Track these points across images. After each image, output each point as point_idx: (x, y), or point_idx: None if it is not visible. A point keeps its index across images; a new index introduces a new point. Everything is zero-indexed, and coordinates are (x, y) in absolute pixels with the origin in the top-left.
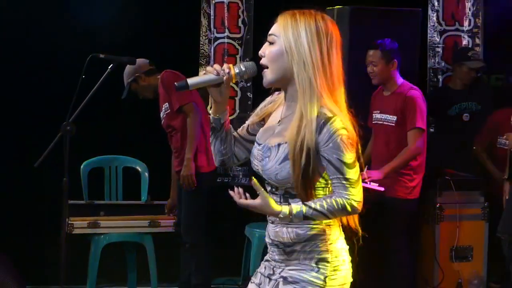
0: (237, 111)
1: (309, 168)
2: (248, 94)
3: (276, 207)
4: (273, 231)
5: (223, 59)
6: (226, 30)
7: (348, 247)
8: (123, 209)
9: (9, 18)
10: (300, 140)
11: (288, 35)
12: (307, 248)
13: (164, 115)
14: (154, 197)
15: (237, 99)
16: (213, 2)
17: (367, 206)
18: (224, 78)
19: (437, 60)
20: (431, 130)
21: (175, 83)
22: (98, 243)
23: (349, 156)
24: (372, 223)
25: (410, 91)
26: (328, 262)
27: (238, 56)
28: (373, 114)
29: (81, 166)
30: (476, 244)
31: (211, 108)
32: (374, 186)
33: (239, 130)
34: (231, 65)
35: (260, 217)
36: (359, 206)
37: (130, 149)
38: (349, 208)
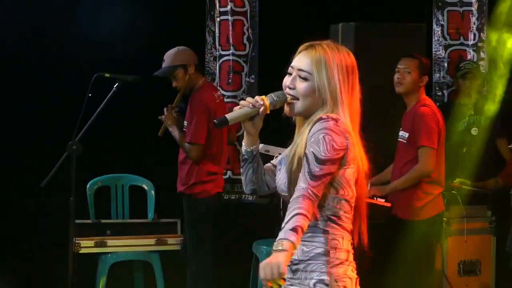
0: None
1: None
2: None
3: (278, 254)
4: None
5: (228, 76)
6: (231, 47)
7: (356, 277)
8: (130, 228)
9: (14, 37)
10: (294, 147)
11: (322, 75)
12: (309, 268)
13: (184, 128)
14: (161, 215)
15: None
16: (218, 19)
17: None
18: (260, 109)
19: (442, 74)
20: None
21: (215, 120)
22: (105, 262)
23: (324, 154)
24: (384, 245)
25: (421, 108)
26: (326, 284)
27: (243, 73)
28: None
29: (87, 185)
30: (484, 258)
31: None
32: (380, 201)
33: (272, 161)
34: (263, 97)
35: (267, 233)
36: (317, 194)
37: (136, 167)
38: (307, 198)
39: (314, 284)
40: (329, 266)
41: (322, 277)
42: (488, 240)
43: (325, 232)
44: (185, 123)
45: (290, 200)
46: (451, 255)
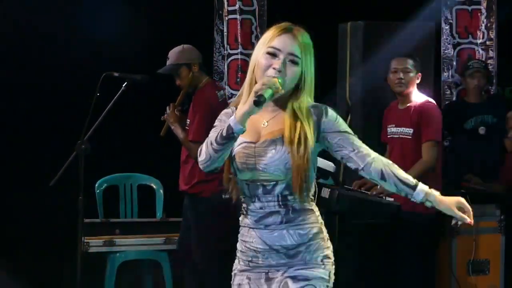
0: None
1: (306, 152)
2: None
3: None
4: (270, 237)
5: (236, 75)
6: (240, 46)
7: None
8: (138, 227)
9: (22, 37)
10: (299, 127)
11: (307, 61)
12: (311, 248)
13: (186, 127)
14: (169, 214)
15: None
16: (226, 18)
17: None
18: (278, 93)
19: (451, 73)
20: (445, 143)
21: (255, 98)
22: (114, 261)
23: None
24: (389, 238)
25: (425, 103)
26: (329, 258)
27: None
28: (388, 128)
29: (96, 184)
30: (493, 257)
31: None
32: (390, 200)
33: None
34: (276, 79)
35: None
36: None
37: (144, 166)
38: None
39: (322, 260)
40: (326, 240)
41: (326, 253)
42: (497, 239)
43: (312, 211)
44: (188, 121)
45: (389, 164)
46: (460, 254)
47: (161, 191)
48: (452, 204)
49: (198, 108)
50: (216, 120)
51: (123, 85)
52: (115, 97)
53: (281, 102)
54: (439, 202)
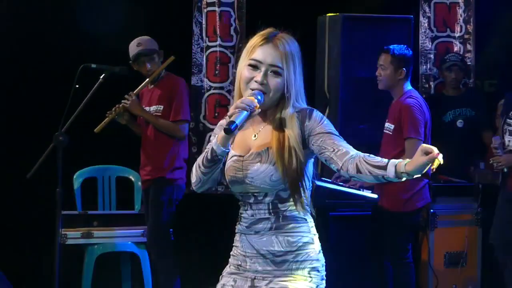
0: None
1: (298, 163)
2: None
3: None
4: (259, 241)
5: (215, 67)
6: (218, 38)
7: None
8: (116, 219)
9: (4, 29)
10: (282, 140)
11: (290, 70)
12: (299, 258)
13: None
14: None
15: None
16: (205, 10)
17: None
18: (255, 112)
19: (429, 66)
20: None
21: (226, 126)
22: (92, 253)
23: None
24: (372, 237)
25: (406, 99)
26: (318, 271)
27: (230, 65)
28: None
29: (74, 177)
30: (470, 249)
31: None
32: (367, 192)
33: None
34: (252, 98)
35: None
36: None
37: (123, 159)
38: None
39: (309, 272)
40: (317, 252)
41: (314, 265)
42: (474, 232)
43: (305, 221)
44: (154, 108)
45: (364, 155)
46: (437, 246)
47: (139, 183)
48: (419, 157)
49: (177, 90)
50: (212, 135)
51: (101, 77)
52: (93, 89)
53: (269, 113)
54: (410, 166)
